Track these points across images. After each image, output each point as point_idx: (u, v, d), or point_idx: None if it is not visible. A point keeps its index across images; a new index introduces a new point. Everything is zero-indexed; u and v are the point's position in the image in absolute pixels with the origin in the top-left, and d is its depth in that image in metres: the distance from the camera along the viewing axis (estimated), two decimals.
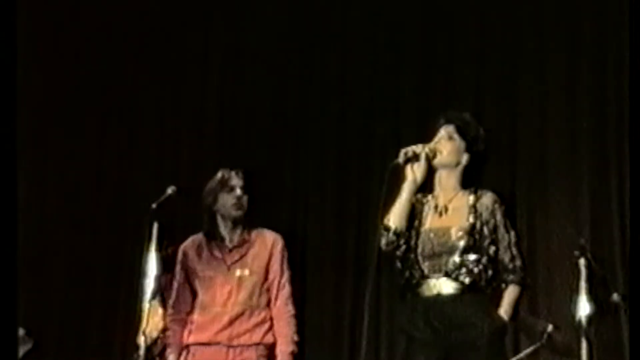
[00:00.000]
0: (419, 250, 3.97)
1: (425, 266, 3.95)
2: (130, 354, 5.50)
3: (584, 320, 4.58)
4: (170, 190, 4.76)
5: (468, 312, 3.89)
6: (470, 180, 4.06)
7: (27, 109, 6.06)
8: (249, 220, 4.81)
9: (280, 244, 4.78)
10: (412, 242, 3.99)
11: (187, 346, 4.74)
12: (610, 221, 5.49)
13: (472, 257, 3.91)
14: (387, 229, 3.99)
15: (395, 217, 3.97)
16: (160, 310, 5.48)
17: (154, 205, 4.67)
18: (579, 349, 4.56)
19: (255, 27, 6.65)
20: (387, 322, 5.73)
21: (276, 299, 4.70)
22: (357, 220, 6.15)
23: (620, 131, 5.55)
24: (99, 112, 6.89)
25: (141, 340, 4.78)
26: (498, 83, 6.00)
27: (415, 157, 4.00)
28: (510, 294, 3.97)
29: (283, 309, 4.69)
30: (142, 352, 4.78)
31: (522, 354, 5.26)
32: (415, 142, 4.33)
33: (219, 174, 4.87)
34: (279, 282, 4.74)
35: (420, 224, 4.04)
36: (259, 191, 4.90)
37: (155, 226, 4.63)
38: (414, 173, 4.02)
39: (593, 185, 5.61)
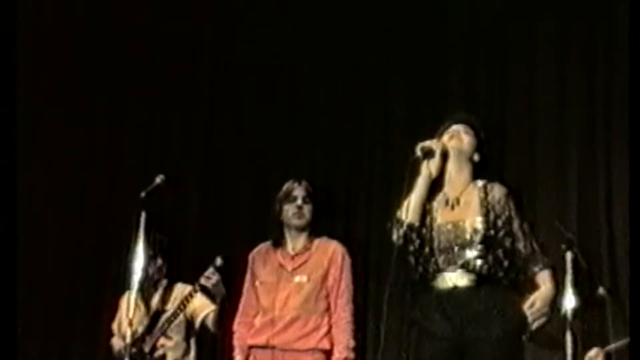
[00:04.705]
0: (435, 244, 3.96)
1: (441, 260, 3.93)
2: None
3: (569, 313, 4.60)
4: (159, 179, 4.76)
5: (485, 305, 3.88)
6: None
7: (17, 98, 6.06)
8: (313, 229, 4.88)
9: (341, 252, 4.87)
10: (427, 237, 3.97)
11: (249, 348, 4.83)
12: (598, 216, 5.51)
13: (487, 249, 3.90)
14: (400, 222, 3.96)
15: (408, 212, 3.94)
16: (142, 306, 5.41)
17: (142, 194, 4.68)
18: (564, 341, 4.60)
19: (246, 22, 6.66)
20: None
21: (335, 305, 4.80)
22: (345, 217, 6.17)
23: (608, 126, 5.58)
24: (89, 102, 6.89)
25: (127, 332, 4.78)
26: (487, 81, 6.01)
27: (431, 153, 3.98)
28: (545, 280, 3.92)
29: (339, 316, 4.78)
30: (128, 340, 4.79)
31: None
32: (405, 139, 4.33)
33: (285, 186, 4.94)
34: (338, 289, 4.82)
35: (433, 219, 4.02)
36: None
37: (144, 215, 4.64)
38: (428, 168, 4.00)
39: (580, 179, 5.62)
